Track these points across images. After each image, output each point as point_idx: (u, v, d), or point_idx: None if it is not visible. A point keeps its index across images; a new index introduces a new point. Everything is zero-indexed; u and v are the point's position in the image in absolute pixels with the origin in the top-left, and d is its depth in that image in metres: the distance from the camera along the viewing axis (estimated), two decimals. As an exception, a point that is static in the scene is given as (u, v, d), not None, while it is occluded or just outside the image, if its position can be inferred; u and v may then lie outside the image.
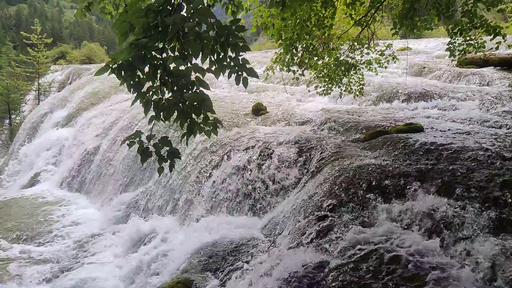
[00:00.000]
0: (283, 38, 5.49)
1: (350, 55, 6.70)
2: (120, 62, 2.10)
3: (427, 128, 5.28)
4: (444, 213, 3.19)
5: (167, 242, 5.46)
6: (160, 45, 2.16)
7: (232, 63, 2.26)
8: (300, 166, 5.36)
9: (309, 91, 9.52)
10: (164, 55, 2.21)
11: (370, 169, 4.16)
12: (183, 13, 2.13)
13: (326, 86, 6.98)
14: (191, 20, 2.04)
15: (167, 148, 2.50)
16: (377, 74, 7.32)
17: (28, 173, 12.20)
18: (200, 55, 2.13)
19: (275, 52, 6.24)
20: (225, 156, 6.29)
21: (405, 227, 3.23)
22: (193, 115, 2.37)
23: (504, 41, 4.95)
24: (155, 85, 2.27)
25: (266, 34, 5.66)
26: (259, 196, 5.37)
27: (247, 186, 5.58)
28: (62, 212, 8.52)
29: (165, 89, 2.28)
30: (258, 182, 5.50)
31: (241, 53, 2.23)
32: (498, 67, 9.77)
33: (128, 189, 8.30)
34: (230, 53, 2.24)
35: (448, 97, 7.67)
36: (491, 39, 5.02)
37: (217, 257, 4.20)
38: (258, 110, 8.35)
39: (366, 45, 6.63)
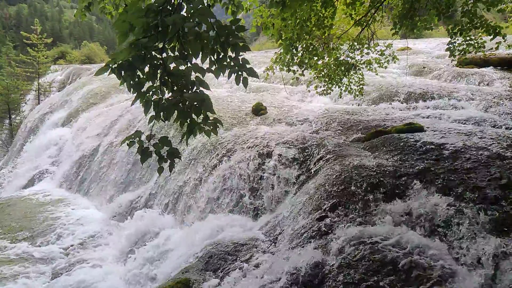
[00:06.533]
0: (283, 38, 5.49)
1: (350, 55, 6.70)
2: (120, 62, 2.10)
3: (427, 128, 5.28)
4: (445, 213, 3.20)
5: (167, 242, 5.46)
6: (160, 45, 2.16)
7: (232, 63, 2.26)
8: (300, 166, 5.36)
9: (309, 91, 9.52)
10: (164, 55, 2.21)
11: (370, 169, 4.17)
12: (183, 13, 2.13)
13: (326, 86, 6.98)
14: (191, 20, 2.04)
15: (167, 148, 2.50)
16: (377, 74, 7.32)
17: (28, 173, 12.20)
18: (200, 55, 2.13)
19: (275, 52, 6.24)
20: (225, 156, 6.29)
21: (406, 227, 3.23)
22: (193, 115, 2.37)
23: (504, 41, 4.96)
24: (155, 85, 2.27)
25: (266, 34, 5.66)
26: (259, 196, 5.37)
27: (246, 186, 5.57)
28: (62, 212, 8.52)
29: (165, 89, 2.28)
30: (258, 182, 5.50)
31: (241, 53, 2.23)
32: (498, 67, 9.77)
33: (128, 189, 8.31)
34: (230, 53, 2.24)
35: (448, 97, 7.66)
36: (491, 39, 5.02)
37: (217, 257, 4.20)
38: (258, 110, 8.35)
39: (366, 45, 6.63)
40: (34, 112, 19.09)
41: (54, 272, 5.85)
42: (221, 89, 12.59)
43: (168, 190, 7.00)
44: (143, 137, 2.48)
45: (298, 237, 3.69)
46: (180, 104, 2.28)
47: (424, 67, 11.30)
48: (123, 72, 2.14)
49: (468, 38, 5.27)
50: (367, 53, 6.69)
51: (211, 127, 2.50)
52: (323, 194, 4.07)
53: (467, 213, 3.11)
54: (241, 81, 2.33)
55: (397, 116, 6.74)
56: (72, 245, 6.74)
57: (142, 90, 2.26)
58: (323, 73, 6.74)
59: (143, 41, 2.05)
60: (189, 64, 2.22)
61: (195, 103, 2.27)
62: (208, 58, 2.21)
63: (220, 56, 2.24)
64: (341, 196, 3.83)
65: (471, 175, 3.59)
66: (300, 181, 5.11)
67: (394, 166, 4.15)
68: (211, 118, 2.47)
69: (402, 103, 8.07)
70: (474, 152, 4.02)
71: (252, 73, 2.26)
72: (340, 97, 8.57)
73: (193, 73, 2.22)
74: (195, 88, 2.27)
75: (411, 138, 4.74)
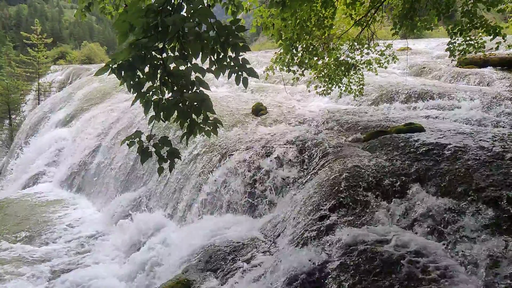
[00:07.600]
0: (283, 38, 5.49)
1: (350, 55, 6.70)
2: (120, 62, 2.10)
3: (427, 128, 5.28)
4: (444, 213, 3.20)
5: (167, 242, 5.46)
6: (160, 45, 2.16)
7: (232, 63, 2.26)
8: (300, 166, 5.36)
9: (309, 91, 9.51)
10: (164, 55, 2.21)
11: (370, 169, 4.16)
12: (183, 13, 2.13)
13: (326, 86, 6.98)
14: (191, 20, 2.03)
15: (167, 148, 2.50)
16: (377, 74, 7.32)
17: (28, 173, 12.19)
18: (200, 55, 2.13)
19: (275, 52, 6.24)
20: (225, 156, 6.29)
21: (405, 227, 3.23)
22: (193, 115, 2.37)
23: (504, 41, 4.96)
24: (155, 85, 2.26)
25: (266, 34, 5.66)
26: (259, 196, 5.37)
27: (246, 186, 5.57)
28: (62, 212, 8.52)
29: (165, 89, 2.28)
30: (258, 182, 5.50)
31: (241, 53, 2.23)
32: (498, 67, 9.76)
33: (128, 189, 8.30)
34: (230, 53, 2.24)
35: (448, 97, 7.66)
36: (491, 39, 5.02)
37: (217, 257, 4.20)
38: (258, 110, 8.35)
39: (366, 45, 6.63)
40: (34, 112, 19.09)
41: (54, 272, 5.85)
42: (221, 89, 12.59)
43: (169, 190, 7.00)
44: (143, 137, 2.48)
45: (298, 237, 3.69)
46: (180, 104, 2.28)
47: (424, 67, 11.29)
48: (123, 72, 2.14)
49: (468, 38, 5.27)
50: (367, 53, 6.69)
51: (211, 127, 2.50)
52: (323, 194, 4.07)
53: (467, 214, 3.11)
54: (241, 81, 2.33)
55: (397, 116, 6.74)
56: (72, 245, 6.74)
57: (142, 90, 2.26)
58: (323, 73, 6.75)
59: (143, 41, 2.05)
60: (189, 64, 2.21)
61: (195, 103, 2.26)
62: (208, 58, 2.21)
63: (220, 56, 2.24)
64: (341, 197, 3.83)
65: (471, 176, 3.59)
66: (300, 181, 5.11)
67: (394, 166, 4.14)
68: (211, 118, 2.47)
69: (402, 103, 8.07)
70: (474, 152, 4.02)
71: (252, 73, 2.26)
72: (340, 97, 8.58)
73: (193, 73, 2.22)
74: (195, 88, 2.27)
75: (411, 138, 4.74)
